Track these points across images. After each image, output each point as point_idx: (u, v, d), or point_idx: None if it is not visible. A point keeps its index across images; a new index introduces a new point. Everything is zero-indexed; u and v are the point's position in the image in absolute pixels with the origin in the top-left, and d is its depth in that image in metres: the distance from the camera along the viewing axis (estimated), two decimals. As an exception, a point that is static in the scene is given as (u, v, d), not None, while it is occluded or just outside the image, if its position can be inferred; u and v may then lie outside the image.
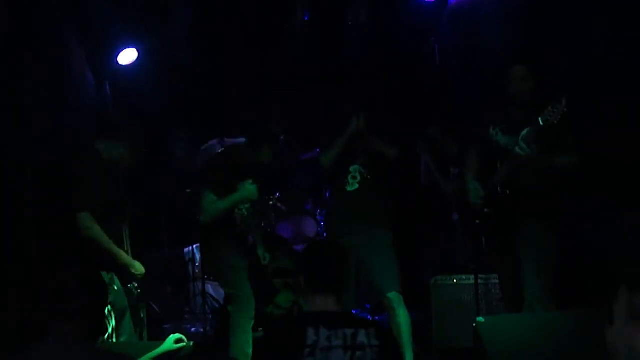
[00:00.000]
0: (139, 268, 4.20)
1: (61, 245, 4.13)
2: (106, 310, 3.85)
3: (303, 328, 2.50)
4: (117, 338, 3.96)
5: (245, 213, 4.91)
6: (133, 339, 4.16)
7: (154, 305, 6.07)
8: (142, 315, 4.58)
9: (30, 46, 4.57)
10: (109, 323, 3.89)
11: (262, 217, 5.63)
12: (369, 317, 6.02)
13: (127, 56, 6.05)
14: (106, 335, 3.86)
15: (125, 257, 4.17)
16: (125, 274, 4.16)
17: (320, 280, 2.69)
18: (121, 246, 4.17)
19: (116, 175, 4.28)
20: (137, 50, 6.06)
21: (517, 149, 4.07)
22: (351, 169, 4.78)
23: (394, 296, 4.52)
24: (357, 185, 4.75)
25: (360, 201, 4.73)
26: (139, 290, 4.26)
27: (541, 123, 3.95)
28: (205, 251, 5.38)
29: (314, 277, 2.73)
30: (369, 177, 4.75)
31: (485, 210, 4.37)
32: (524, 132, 4.04)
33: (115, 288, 4.07)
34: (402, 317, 4.51)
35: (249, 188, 4.78)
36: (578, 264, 4.49)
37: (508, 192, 4.28)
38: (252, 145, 4.87)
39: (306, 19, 7.05)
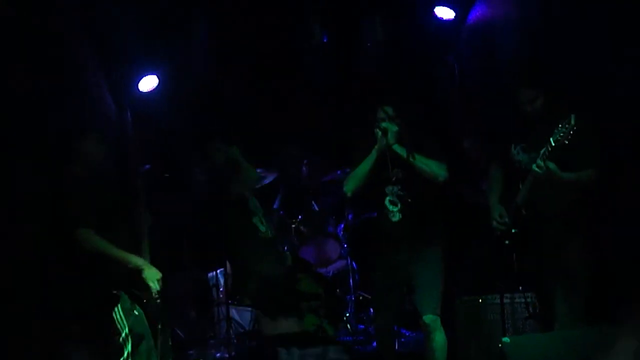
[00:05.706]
0: (151, 273, 4.02)
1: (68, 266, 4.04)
2: (123, 335, 3.84)
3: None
4: None
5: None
6: None
7: (178, 331, 6.06)
8: (168, 339, 4.44)
9: (48, 72, 4.62)
10: (125, 348, 3.86)
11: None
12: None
13: (148, 83, 6.11)
14: None
15: (136, 259, 4.03)
16: (140, 286, 4.04)
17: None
18: (138, 252, 4.10)
19: (109, 175, 4.26)
20: (157, 77, 6.12)
21: (534, 167, 4.07)
22: (387, 190, 4.48)
23: (430, 320, 4.40)
24: (399, 216, 4.45)
25: (406, 231, 4.45)
26: (158, 300, 4.06)
27: (552, 143, 3.96)
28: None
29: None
30: (409, 200, 4.45)
31: (513, 230, 4.36)
32: (542, 150, 4.05)
33: (136, 313, 4.01)
34: (438, 341, 4.41)
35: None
36: (608, 279, 4.43)
37: (532, 212, 4.27)
38: None
39: (325, 40, 7.08)
